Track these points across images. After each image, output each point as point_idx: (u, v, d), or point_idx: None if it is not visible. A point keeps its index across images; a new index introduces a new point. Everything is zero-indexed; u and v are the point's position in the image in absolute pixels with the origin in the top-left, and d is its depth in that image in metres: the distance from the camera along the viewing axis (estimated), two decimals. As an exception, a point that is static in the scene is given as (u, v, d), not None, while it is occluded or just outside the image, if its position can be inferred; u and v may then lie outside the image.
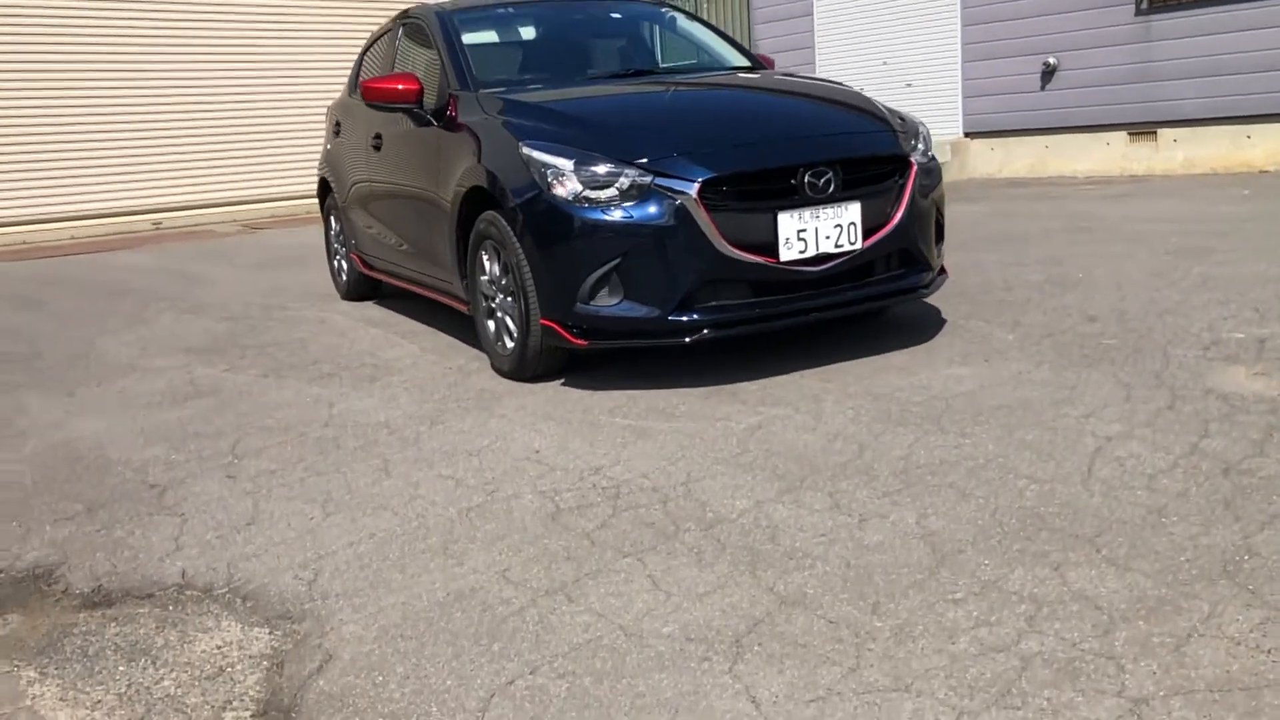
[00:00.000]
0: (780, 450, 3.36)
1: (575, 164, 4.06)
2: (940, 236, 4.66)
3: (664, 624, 2.35)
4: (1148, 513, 2.69)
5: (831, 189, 4.10)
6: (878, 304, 4.36)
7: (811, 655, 2.17)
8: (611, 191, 4.01)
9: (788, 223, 4.05)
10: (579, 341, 4.12)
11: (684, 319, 4.03)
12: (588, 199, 4.01)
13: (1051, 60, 11.59)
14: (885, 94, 13.05)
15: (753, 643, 2.24)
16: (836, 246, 4.14)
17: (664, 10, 6.09)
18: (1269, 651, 2.05)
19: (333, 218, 7.01)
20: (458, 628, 2.42)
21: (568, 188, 4.04)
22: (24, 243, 13.91)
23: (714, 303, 4.08)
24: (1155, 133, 11.16)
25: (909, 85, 12.97)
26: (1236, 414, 3.34)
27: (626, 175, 4.00)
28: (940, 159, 12.14)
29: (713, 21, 13.37)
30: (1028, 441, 3.25)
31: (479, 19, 5.65)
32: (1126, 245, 6.67)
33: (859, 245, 4.18)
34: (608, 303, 4.05)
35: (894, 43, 13.22)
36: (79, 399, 4.84)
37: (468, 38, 5.46)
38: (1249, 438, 3.12)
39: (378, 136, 5.76)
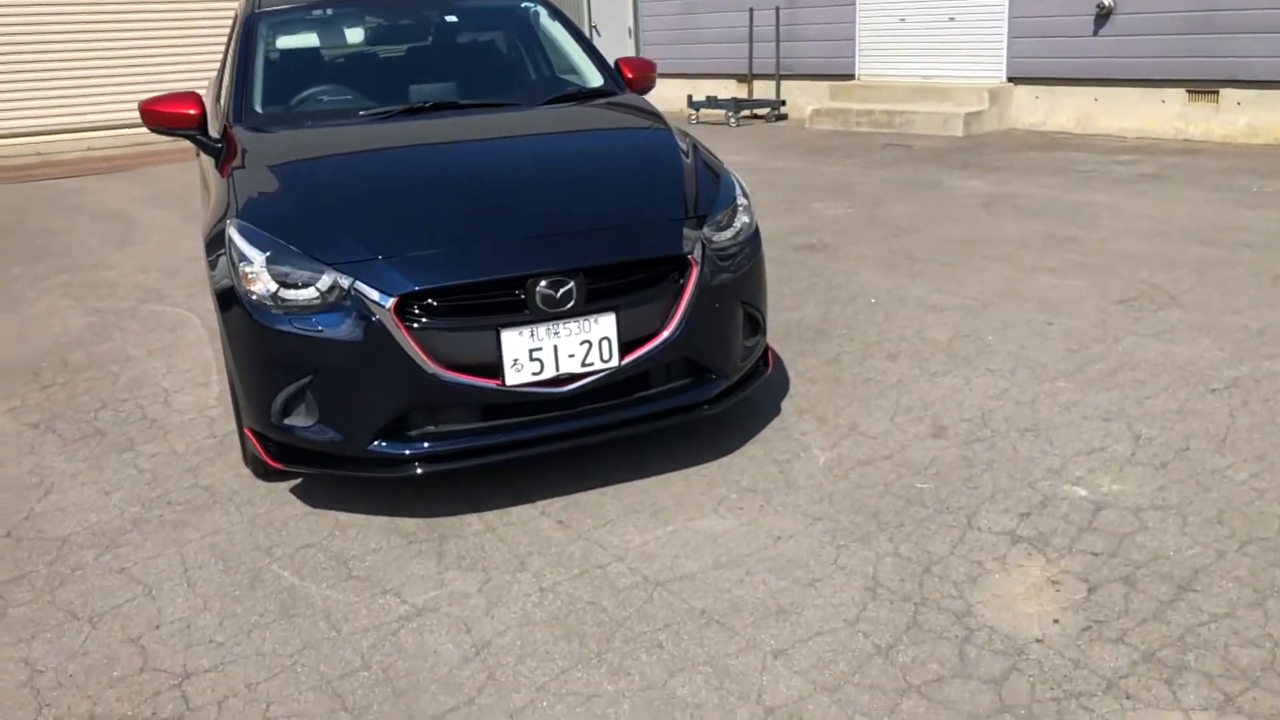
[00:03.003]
0: (391, 677, 2.76)
1: (268, 259, 3.41)
2: (756, 329, 3.90)
3: None
4: None
5: (572, 303, 3.38)
6: (646, 426, 3.64)
7: None
8: (310, 293, 3.35)
9: (515, 342, 3.35)
10: (274, 463, 3.54)
11: (390, 451, 3.42)
12: (282, 301, 3.38)
13: (1106, 1, 10.16)
14: (926, 28, 11.71)
15: None
16: (584, 365, 3.44)
17: (525, 6, 5.24)
18: None
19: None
20: None
21: (260, 285, 3.40)
22: (38, 154, 13.87)
23: (432, 428, 3.46)
24: (1217, 92, 9.77)
25: (952, 20, 11.64)
26: (909, 694, 2.62)
27: (326, 277, 3.35)
28: (978, 107, 10.93)
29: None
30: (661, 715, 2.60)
31: (299, 20, 4.93)
32: (1089, 279, 5.73)
33: (614, 363, 3.47)
34: (302, 423, 3.45)
35: (937, -30, 11.85)
36: None
37: (283, 42, 4.79)
38: (930, 744, 2.42)
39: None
